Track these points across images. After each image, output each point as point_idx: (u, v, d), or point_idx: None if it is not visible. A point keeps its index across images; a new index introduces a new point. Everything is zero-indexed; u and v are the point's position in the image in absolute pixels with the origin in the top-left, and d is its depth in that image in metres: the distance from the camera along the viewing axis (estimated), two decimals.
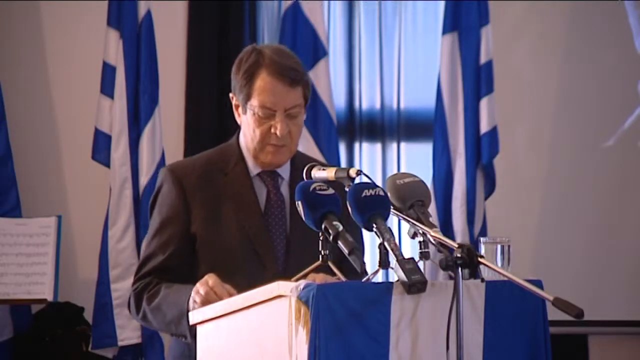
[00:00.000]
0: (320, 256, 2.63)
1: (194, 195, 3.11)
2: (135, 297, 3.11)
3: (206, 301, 2.81)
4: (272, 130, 3.07)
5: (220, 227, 3.09)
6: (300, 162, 3.19)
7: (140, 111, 5.63)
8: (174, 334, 3.05)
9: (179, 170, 3.17)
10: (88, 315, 5.62)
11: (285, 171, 3.19)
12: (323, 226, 2.59)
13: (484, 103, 5.65)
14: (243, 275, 2.92)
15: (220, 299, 2.78)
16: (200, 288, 2.86)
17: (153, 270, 3.11)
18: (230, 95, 3.17)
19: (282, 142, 3.09)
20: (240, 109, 3.14)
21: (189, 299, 2.90)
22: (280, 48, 3.20)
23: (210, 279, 2.86)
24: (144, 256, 3.15)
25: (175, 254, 3.10)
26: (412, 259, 2.42)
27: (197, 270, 3.07)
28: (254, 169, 3.17)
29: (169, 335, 3.15)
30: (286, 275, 2.95)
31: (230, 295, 2.78)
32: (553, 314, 2.50)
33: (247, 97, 3.08)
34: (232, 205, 3.11)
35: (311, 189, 2.62)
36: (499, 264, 2.71)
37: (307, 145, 5.60)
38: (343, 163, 5.89)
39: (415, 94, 6.11)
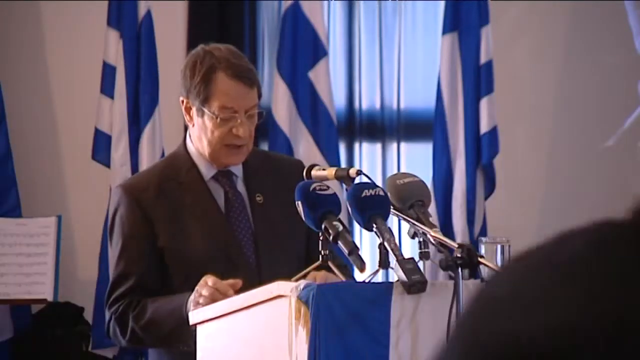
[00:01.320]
0: (320, 256, 2.63)
1: (153, 210, 3.08)
2: (117, 320, 3.04)
3: (212, 302, 2.79)
4: (234, 132, 3.06)
5: (185, 237, 3.07)
6: (252, 157, 3.19)
7: (140, 111, 5.63)
8: (173, 345, 3.00)
9: (133, 188, 3.14)
10: (88, 315, 5.62)
11: (238, 169, 3.18)
12: (323, 226, 2.59)
13: (484, 103, 5.65)
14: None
15: (226, 295, 2.76)
16: (202, 290, 2.83)
17: (128, 291, 3.04)
18: (181, 99, 3.17)
19: (242, 142, 3.09)
20: (193, 112, 3.13)
21: (186, 305, 2.87)
22: (232, 49, 3.19)
23: (209, 279, 2.84)
24: (114, 279, 3.08)
25: (146, 271, 3.06)
26: (412, 259, 2.43)
27: (170, 285, 3.05)
28: (207, 172, 3.16)
29: (159, 348, 3.10)
30: (260, 272, 2.96)
31: (234, 286, 2.77)
32: None
33: (205, 101, 3.08)
34: (193, 213, 3.09)
35: (311, 188, 2.62)
36: (499, 264, 2.71)
37: (307, 145, 5.60)
38: (343, 163, 5.89)
39: (415, 94, 6.11)
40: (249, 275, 2.93)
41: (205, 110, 3.07)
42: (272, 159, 3.22)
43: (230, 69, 3.07)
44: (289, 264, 2.88)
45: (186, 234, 3.07)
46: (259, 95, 3.13)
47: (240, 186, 3.17)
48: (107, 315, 3.08)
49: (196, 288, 2.85)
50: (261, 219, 3.10)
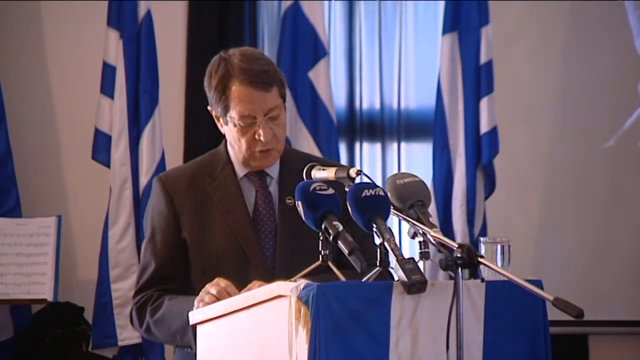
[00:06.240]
0: (320, 256, 2.63)
1: (182, 203, 3.13)
2: (137, 310, 3.13)
3: (218, 301, 2.80)
4: (257, 137, 3.07)
5: (208, 232, 3.11)
6: (290, 158, 3.20)
7: (140, 111, 5.63)
8: (179, 345, 3.05)
9: (167, 179, 3.19)
10: (88, 315, 5.62)
11: (274, 170, 3.19)
12: (323, 226, 2.59)
13: (484, 103, 5.65)
14: (232, 278, 2.92)
15: None
16: (211, 289, 2.85)
17: (150, 281, 3.13)
18: (209, 108, 3.18)
19: (268, 147, 3.10)
20: (221, 120, 3.15)
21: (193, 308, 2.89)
22: (248, 52, 3.16)
23: (221, 281, 2.87)
24: (141, 267, 3.18)
25: (168, 262, 3.12)
26: (412, 259, 2.43)
27: (189, 277, 3.10)
28: (240, 171, 3.18)
29: (173, 346, 3.15)
30: (274, 274, 2.97)
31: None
32: (553, 314, 2.50)
33: (225, 110, 3.09)
34: (220, 210, 3.12)
35: (311, 189, 2.62)
36: (499, 264, 2.71)
37: (307, 145, 5.60)
38: (343, 163, 5.89)
39: (415, 94, 6.11)
40: (262, 275, 2.94)
41: (228, 118, 3.09)
42: (309, 162, 3.18)
43: (242, 76, 3.06)
44: (307, 267, 2.88)
45: (208, 228, 3.11)
46: (282, 94, 3.11)
47: (274, 187, 3.18)
48: (131, 303, 3.18)
49: (206, 286, 2.87)
50: (287, 222, 3.10)
